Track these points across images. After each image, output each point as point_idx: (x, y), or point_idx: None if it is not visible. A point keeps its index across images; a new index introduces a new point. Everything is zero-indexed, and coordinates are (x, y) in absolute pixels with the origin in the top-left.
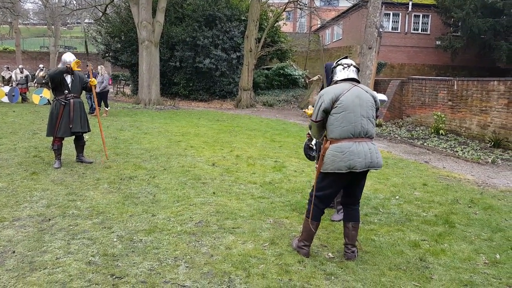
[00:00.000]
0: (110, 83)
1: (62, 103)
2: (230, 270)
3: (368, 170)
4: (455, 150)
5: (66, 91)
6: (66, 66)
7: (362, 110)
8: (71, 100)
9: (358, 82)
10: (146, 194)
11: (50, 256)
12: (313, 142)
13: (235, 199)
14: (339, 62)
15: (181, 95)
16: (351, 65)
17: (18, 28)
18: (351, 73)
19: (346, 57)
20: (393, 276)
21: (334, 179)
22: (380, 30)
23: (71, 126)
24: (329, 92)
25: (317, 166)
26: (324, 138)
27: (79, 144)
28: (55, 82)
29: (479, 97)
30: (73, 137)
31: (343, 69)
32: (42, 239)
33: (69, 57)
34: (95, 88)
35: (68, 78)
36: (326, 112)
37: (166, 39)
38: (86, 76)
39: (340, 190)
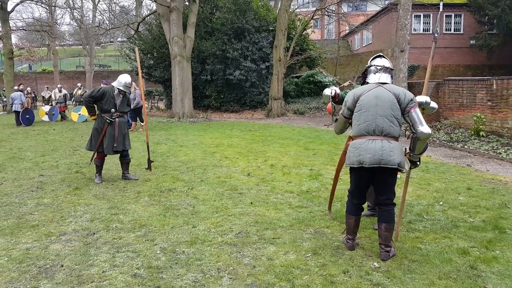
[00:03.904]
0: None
1: (108, 120)
2: (273, 281)
3: (392, 169)
4: (498, 152)
5: (113, 109)
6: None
7: (378, 109)
8: (116, 119)
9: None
10: (186, 206)
11: (96, 270)
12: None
13: (273, 209)
14: (372, 63)
15: (213, 107)
16: (383, 67)
17: (56, 50)
18: (382, 77)
19: (380, 56)
20: (443, 285)
21: (354, 174)
22: (436, 35)
23: (115, 145)
24: (352, 93)
25: None
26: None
27: (124, 161)
28: (104, 100)
29: None
30: (118, 154)
31: (375, 72)
32: (88, 253)
33: (125, 78)
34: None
35: (119, 98)
36: (351, 111)
37: (197, 53)
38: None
39: (363, 186)
